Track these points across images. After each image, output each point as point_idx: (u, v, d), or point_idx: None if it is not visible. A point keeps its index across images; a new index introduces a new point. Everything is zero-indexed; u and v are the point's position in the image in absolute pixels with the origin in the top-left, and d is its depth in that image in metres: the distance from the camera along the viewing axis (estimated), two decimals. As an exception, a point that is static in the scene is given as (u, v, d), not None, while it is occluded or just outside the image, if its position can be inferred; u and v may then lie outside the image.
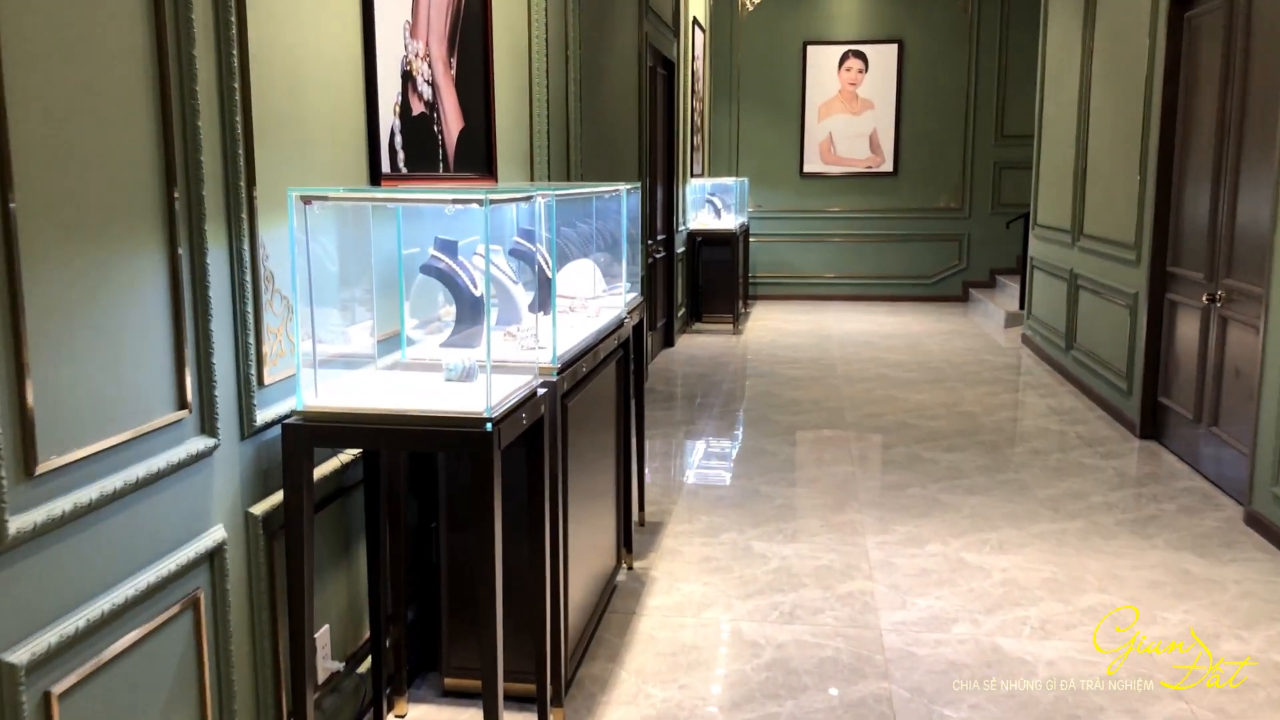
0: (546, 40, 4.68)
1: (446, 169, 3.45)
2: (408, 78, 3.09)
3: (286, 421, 2.34)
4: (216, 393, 2.18)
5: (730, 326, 10.33)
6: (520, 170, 4.43)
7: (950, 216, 12.44)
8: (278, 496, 2.44)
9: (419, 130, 3.20)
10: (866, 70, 12.43)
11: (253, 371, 2.33)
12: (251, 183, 2.28)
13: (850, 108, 12.53)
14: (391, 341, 3.02)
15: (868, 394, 7.40)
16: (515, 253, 3.68)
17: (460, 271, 3.45)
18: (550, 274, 3.76)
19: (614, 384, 3.85)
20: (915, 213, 12.47)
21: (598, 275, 4.25)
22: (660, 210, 9.03)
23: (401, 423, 2.33)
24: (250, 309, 2.30)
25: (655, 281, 8.66)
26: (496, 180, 3.94)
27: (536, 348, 3.00)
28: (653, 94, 8.33)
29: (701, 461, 5.80)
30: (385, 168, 2.97)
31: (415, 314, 3.17)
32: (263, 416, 2.39)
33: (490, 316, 2.65)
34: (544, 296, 3.75)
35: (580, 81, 5.39)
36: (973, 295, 12.02)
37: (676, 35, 9.16)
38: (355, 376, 2.70)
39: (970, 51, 12.15)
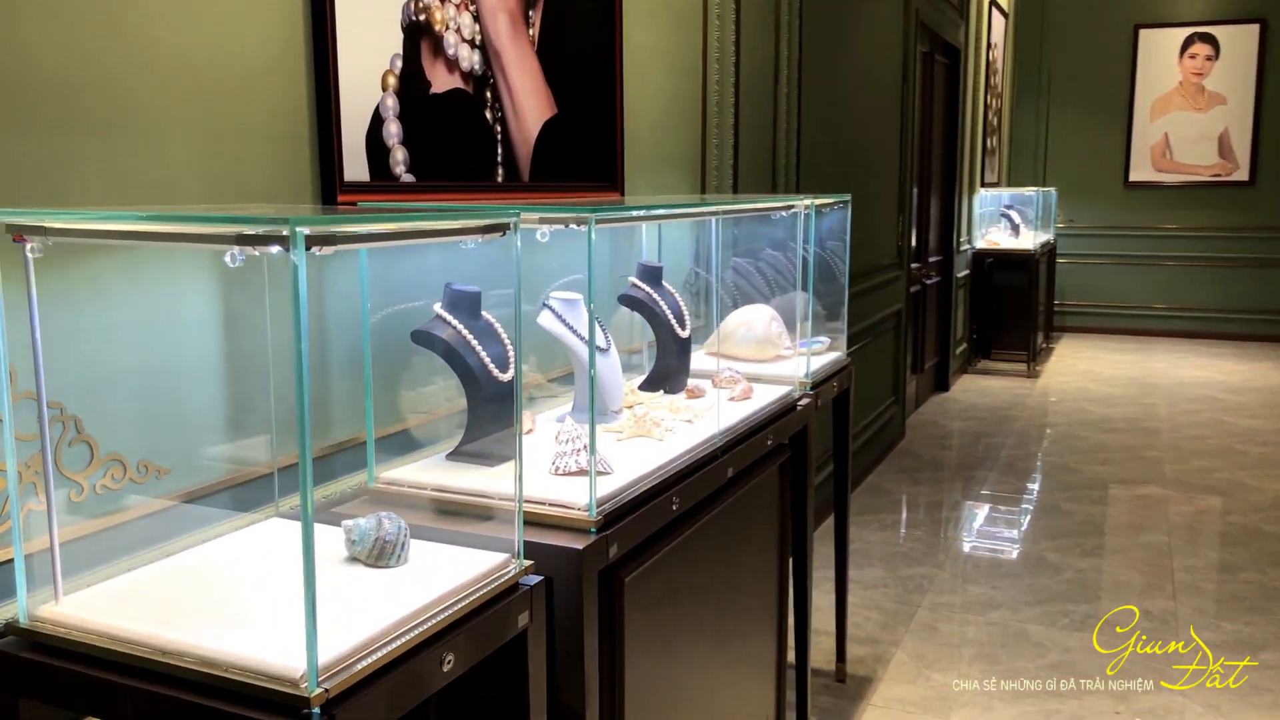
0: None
1: (512, 177, 2.29)
2: (420, 32, 1.96)
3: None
4: None
5: (1024, 367, 8.51)
6: (681, 179, 3.20)
7: (1328, 234, 9.85)
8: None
9: (447, 116, 2.07)
10: (1216, 57, 10.11)
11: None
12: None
13: (1194, 103, 10.23)
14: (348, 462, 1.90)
15: (1206, 476, 5.50)
16: (630, 300, 2.47)
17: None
18: (685, 330, 2.51)
19: (771, 498, 2.54)
20: (1277, 231, 9.95)
21: (774, 329, 2.94)
22: (935, 226, 7.45)
23: (162, 680, 1.17)
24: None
25: (923, 312, 7.11)
26: (622, 194, 2.74)
27: (595, 470, 1.78)
28: (925, 86, 6.81)
29: (950, 580, 4.28)
30: (362, 173, 1.85)
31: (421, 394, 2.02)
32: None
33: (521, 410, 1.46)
34: (670, 367, 2.50)
35: (800, 61, 4.07)
36: (1358, 335, 9.38)
37: (963, 16, 7.55)
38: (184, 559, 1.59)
39: (1364, 24, 9.53)
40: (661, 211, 2.11)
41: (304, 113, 1.75)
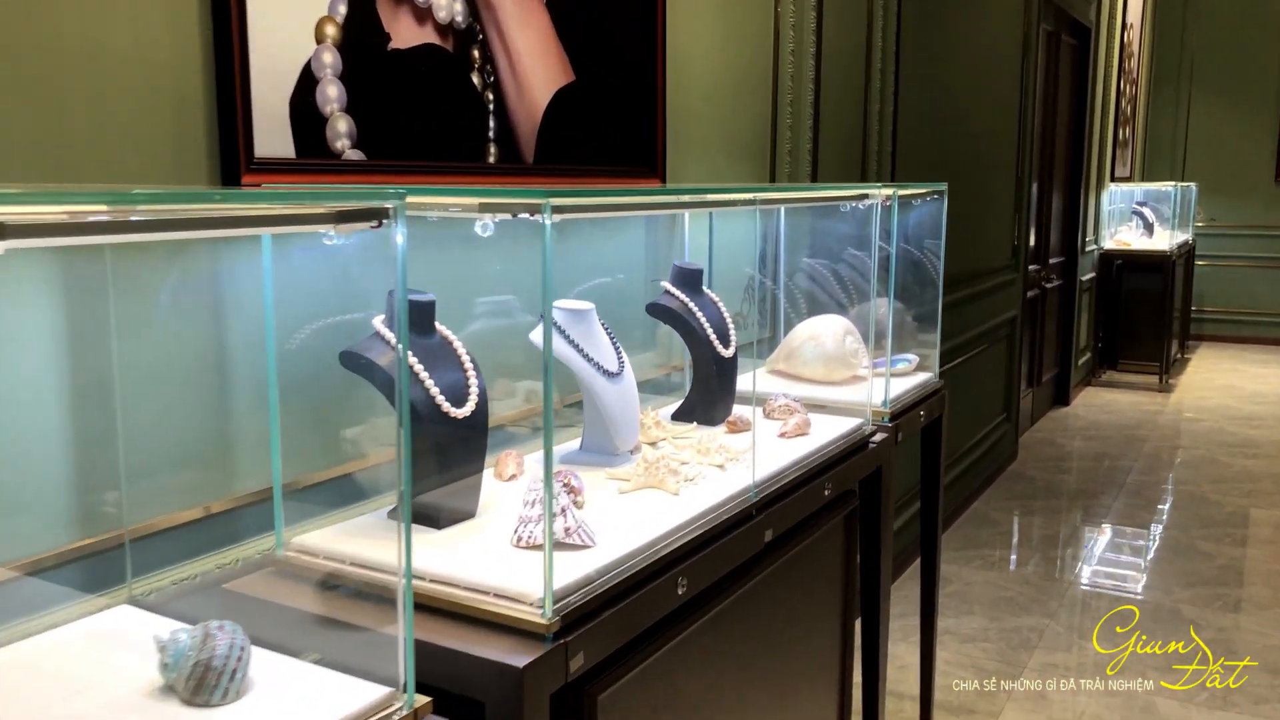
0: (819, -41, 2.92)
1: (510, 157, 1.86)
2: (374, -28, 1.54)
3: None
4: None
5: (1156, 380, 7.71)
6: (744, 166, 2.72)
7: None
8: None
9: (415, 79, 1.65)
10: (1384, 39, 9.05)
11: None
12: None
13: (1357, 89, 9.19)
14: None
15: (1372, 516, 4.75)
16: (660, 310, 2.03)
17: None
18: (729, 348, 2.05)
19: (832, 557, 2.05)
20: None
21: (848, 344, 2.44)
22: (1057, 225, 6.76)
23: None
24: None
25: (1040, 319, 6.44)
26: (663, 180, 2.28)
27: (581, 539, 1.34)
28: (1049, 68, 6.14)
29: (1064, 634, 3.69)
30: (284, 147, 1.45)
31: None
32: None
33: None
34: (708, 394, 2.04)
35: (897, 32, 3.54)
36: None
37: (1096, -8, 6.83)
38: None
39: None
40: (656, 199, 1.60)
41: (196, 68, 1.34)
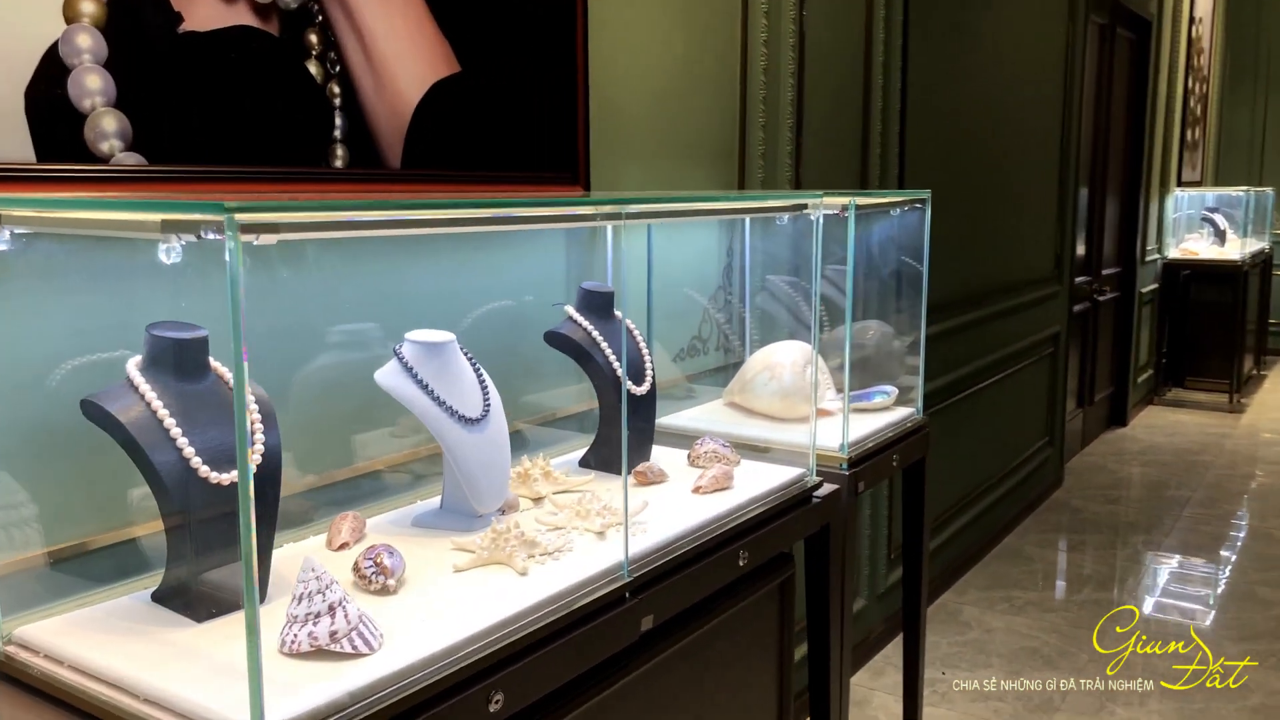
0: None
1: (367, 161, 1.58)
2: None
3: None
4: None
5: (1226, 399, 7.16)
6: (704, 173, 2.41)
7: None
8: None
9: (223, 68, 1.39)
10: None
11: None
12: None
13: None
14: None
15: None
16: (559, 340, 1.73)
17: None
18: (642, 384, 1.76)
19: (755, 642, 1.73)
20: None
21: (809, 375, 2.12)
22: (1112, 233, 6.30)
23: None
24: None
25: (1093, 334, 5.99)
26: (585, 187, 1.97)
27: (354, 645, 1.06)
28: (1101, 65, 5.70)
29: (1092, 701, 3.28)
30: (21, 149, 1.19)
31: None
32: None
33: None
34: (615, 437, 1.75)
35: (904, 22, 3.19)
36: None
37: (1157, -18, 6.35)
38: None
39: None
40: (415, 214, 1.22)
41: (-118, 52, 1.09)
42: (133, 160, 1.28)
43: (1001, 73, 4.17)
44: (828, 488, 1.83)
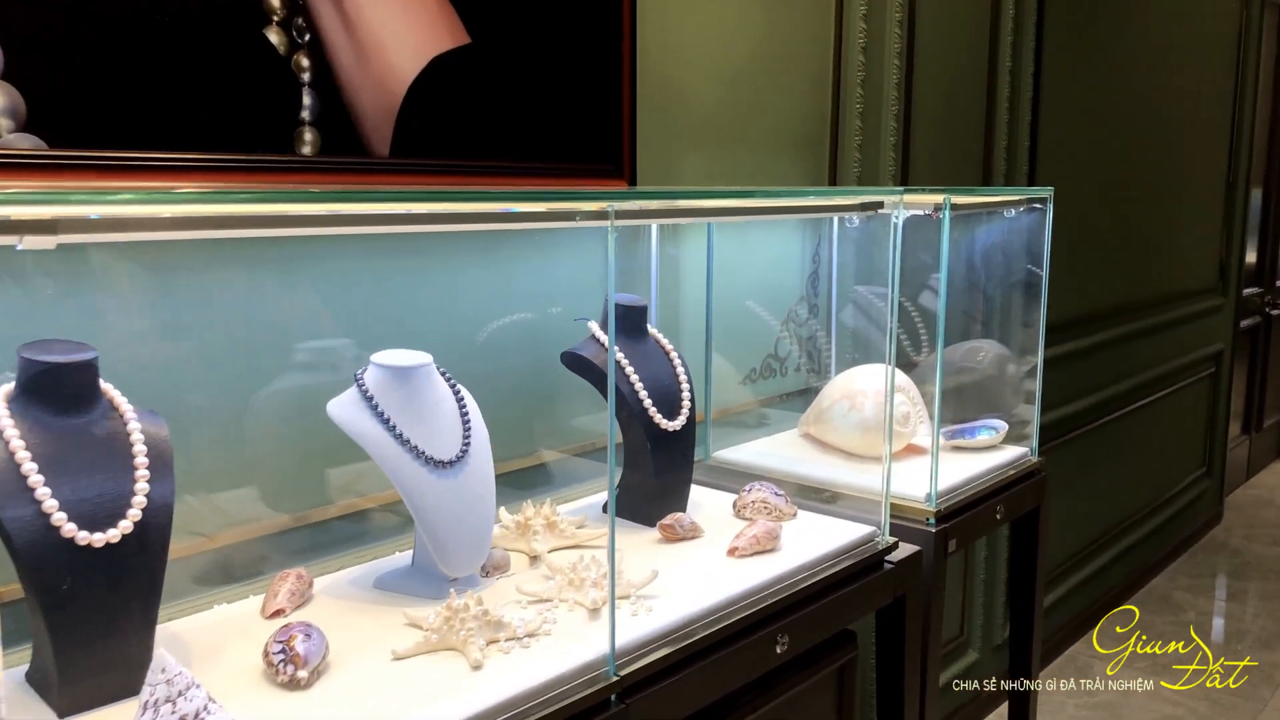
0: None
1: (346, 148, 1.34)
2: None
3: None
4: None
5: None
6: (786, 165, 2.08)
7: None
8: None
9: (149, 37, 1.16)
10: None
11: None
12: None
13: None
14: None
15: None
16: (576, 362, 1.46)
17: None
18: (676, 419, 1.47)
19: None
20: None
21: (900, 405, 1.78)
22: (1289, 240, 5.61)
23: None
24: None
25: (1263, 352, 5.35)
26: (630, 181, 1.69)
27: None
28: (1278, 50, 5.06)
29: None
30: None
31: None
32: None
33: None
34: (643, 481, 1.46)
35: (1039, 3, 2.79)
36: None
37: (1349, -43, 5.61)
38: None
39: None
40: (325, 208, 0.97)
41: None
42: (27, 144, 1.06)
43: (1158, 57, 3.67)
44: (905, 549, 1.49)
